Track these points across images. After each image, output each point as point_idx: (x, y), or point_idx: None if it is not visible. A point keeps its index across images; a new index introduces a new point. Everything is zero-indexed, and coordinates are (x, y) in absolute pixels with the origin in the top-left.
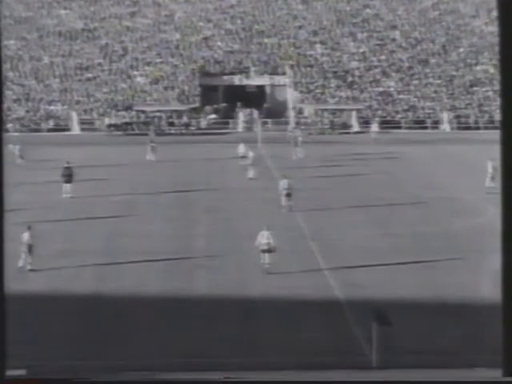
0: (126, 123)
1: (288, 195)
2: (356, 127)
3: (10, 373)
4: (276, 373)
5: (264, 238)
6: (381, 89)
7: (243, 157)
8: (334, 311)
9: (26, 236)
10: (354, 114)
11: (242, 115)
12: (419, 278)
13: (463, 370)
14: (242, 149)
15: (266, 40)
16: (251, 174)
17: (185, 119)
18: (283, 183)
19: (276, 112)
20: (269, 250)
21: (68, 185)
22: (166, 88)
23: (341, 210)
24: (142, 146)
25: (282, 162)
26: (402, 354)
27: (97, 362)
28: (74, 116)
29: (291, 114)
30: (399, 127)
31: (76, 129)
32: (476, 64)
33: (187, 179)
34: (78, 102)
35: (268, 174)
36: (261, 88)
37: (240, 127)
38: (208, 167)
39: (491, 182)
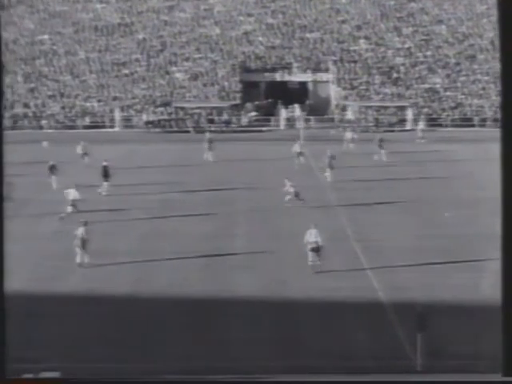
0: (165, 120)
1: None
2: (410, 125)
3: (44, 375)
4: (283, 376)
5: (312, 237)
6: (427, 85)
7: (300, 154)
8: (378, 313)
9: (80, 231)
10: (409, 111)
11: (283, 112)
12: (465, 280)
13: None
14: (297, 147)
15: (308, 35)
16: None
17: (225, 116)
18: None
19: (319, 109)
20: (316, 249)
21: (106, 183)
22: (205, 84)
23: (386, 209)
24: (186, 144)
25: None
26: (445, 358)
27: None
28: (117, 113)
29: (334, 111)
30: (445, 125)
31: (119, 126)
32: None
33: (261, 181)
34: (114, 99)
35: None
36: (303, 84)
37: (281, 125)
38: (271, 167)
39: None
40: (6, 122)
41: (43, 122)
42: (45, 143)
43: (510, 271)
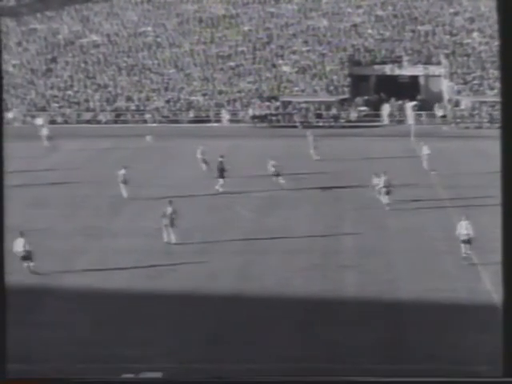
0: (271, 114)
1: None
2: None
3: (144, 375)
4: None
5: (463, 229)
6: None
7: (428, 155)
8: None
9: (168, 210)
10: None
11: (387, 107)
12: None
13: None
14: (425, 149)
15: (419, 27)
16: None
17: (333, 111)
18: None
19: (430, 104)
20: (468, 241)
21: (221, 180)
22: (313, 78)
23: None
24: (293, 140)
25: None
26: None
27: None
28: (225, 112)
29: (447, 106)
30: None
31: (225, 120)
32: None
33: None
34: (220, 92)
35: None
36: (414, 79)
37: (386, 120)
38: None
39: None
40: (109, 116)
41: (147, 116)
42: (148, 137)
43: (510, 271)
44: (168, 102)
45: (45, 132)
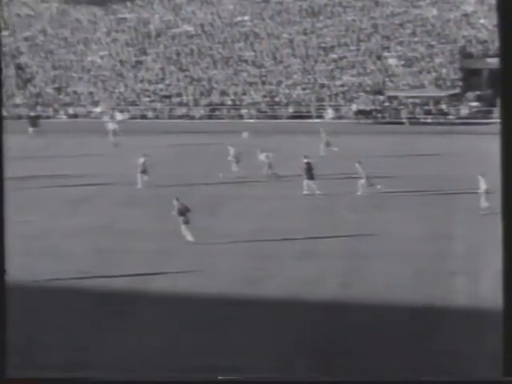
0: (376, 110)
1: None
2: None
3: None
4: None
5: None
6: None
7: None
8: None
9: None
10: None
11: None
12: None
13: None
14: None
15: None
16: None
17: (443, 107)
18: None
19: None
20: None
21: (310, 181)
22: (420, 71)
23: None
24: (399, 137)
25: None
26: None
27: (186, 373)
28: (327, 107)
29: None
30: None
31: (327, 115)
32: None
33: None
34: (321, 86)
35: None
36: None
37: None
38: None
39: None
40: (202, 111)
41: (243, 112)
42: (244, 134)
43: (510, 272)
44: (266, 96)
45: (111, 127)
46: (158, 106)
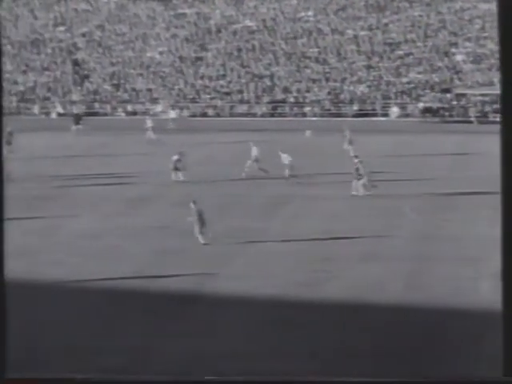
0: (444, 108)
1: None
2: None
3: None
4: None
5: None
6: None
7: None
8: None
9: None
10: None
11: None
12: None
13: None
14: None
15: None
16: None
17: None
18: None
19: None
20: None
21: (359, 182)
22: (490, 68)
23: None
24: (468, 136)
25: None
26: None
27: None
28: (393, 105)
29: None
30: None
31: (392, 114)
32: None
33: None
34: (387, 83)
35: None
36: None
37: None
38: None
39: None
40: (264, 108)
41: (306, 109)
42: (307, 132)
43: (510, 272)
44: (329, 93)
45: (149, 124)
46: (219, 103)
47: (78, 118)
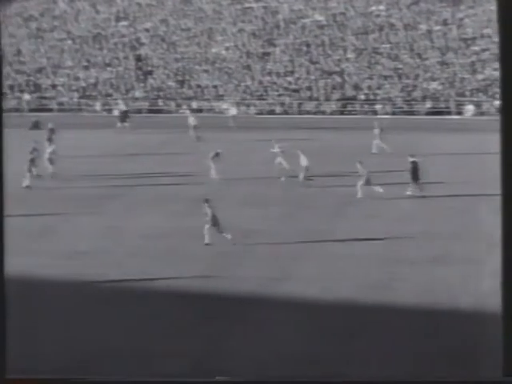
0: None
1: None
2: None
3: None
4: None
5: None
6: None
7: None
8: None
9: (208, 211)
10: None
11: None
12: None
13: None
14: None
15: None
16: None
17: None
18: None
19: None
20: None
21: (415, 182)
22: None
23: None
24: None
25: None
26: None
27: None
28: (470, 106)
29: None
30: None
31: (468, 112)
32: None
33: None
34: (461, 80)
35: None
36: None
37: None
38: None
39: None
40: (334, 106)
41: (377, 107)
42: (376, 131)
43: (510, 272)
44: (402, 90)
45: (192, 122)
46: (287, 100)
47: (124, 116)
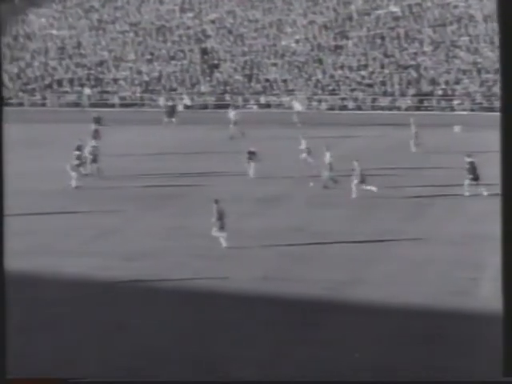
0: None
1: None
2: None
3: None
4: None
5: None
6: None
7: None
8: None
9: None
10: None
11: None
12: None
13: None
14: None
15: None
16: None
17: None
18: None
19: None
20: None
21: (473, 182)
22: None
23: None
24: None
25: None
26: None
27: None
28: None
29: None
30: None
31: None
32: None
33: None
34: None
35: None
36: None
37: None
38: None
39: None
40: (410, 101)
41: (455, 103)
42: (456, 128)
43: (510, 271)
44: (481, 85)
45: (233, 117)
46: (360, 95)
47: (172, 111)
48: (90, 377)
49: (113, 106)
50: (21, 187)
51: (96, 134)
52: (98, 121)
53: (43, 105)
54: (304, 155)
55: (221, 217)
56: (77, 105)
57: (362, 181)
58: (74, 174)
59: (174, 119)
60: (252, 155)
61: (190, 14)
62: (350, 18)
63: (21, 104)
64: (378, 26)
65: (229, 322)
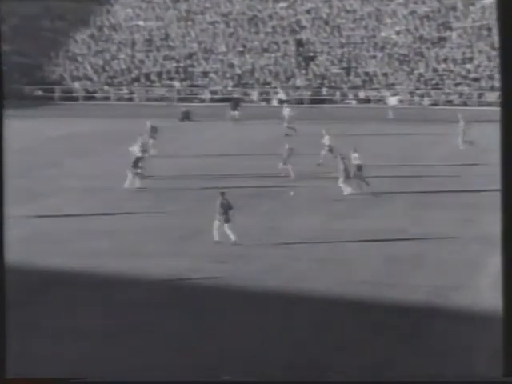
0: None
1: None
2: None
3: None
4: None
5: None
6: None
7: None
8: None
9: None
10: None
11: None
12: None
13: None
14: None
15: None
16: None
17: None
18: None
19: None
20: None
21: None
22: None
23: None
24: None
25: None
26: None
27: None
28: None
29: None
30: None
31: None
32: None
33: None
34: None
35: None
36: None
37: None
38: None
39: None
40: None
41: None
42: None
43: (510, 271)
44: None
45: (286, 113)
46: (466, 90)
47: (236, 103)
48: (91, 377)
49: (203, 101)
50: (110, 185)
51: (153, 135)
52: (186, 115)
53: (130, 99)
54: (323, 152)
55: (226, 210)
56: (165, 99)
57: (347, 177)
58: (130, 175)
59: (237, 112)
60: (290, 152)
61: (284, 4)
62: (454, 8)
63: (107, 98)
64: (483, 16)
65: (330, 326)
